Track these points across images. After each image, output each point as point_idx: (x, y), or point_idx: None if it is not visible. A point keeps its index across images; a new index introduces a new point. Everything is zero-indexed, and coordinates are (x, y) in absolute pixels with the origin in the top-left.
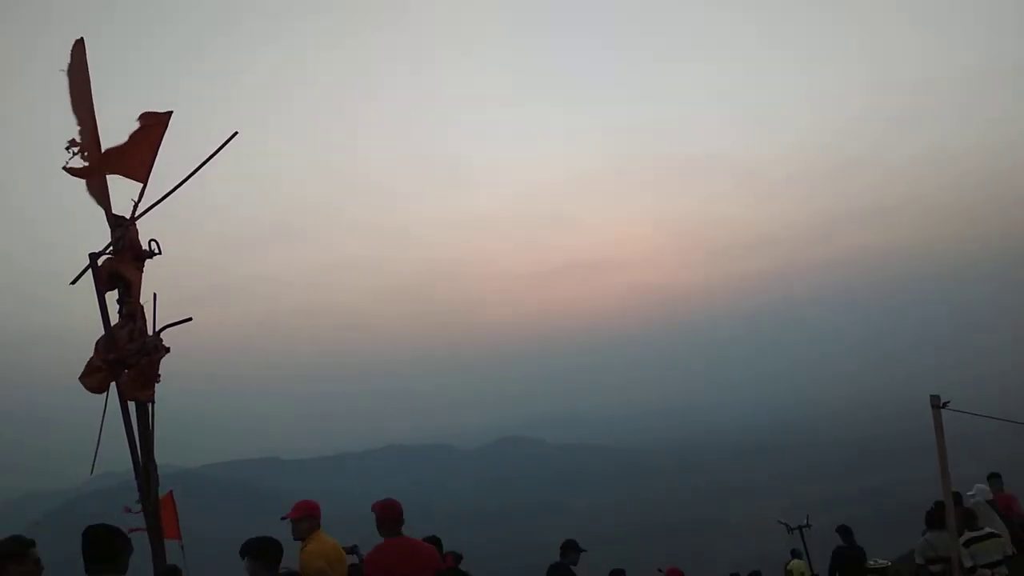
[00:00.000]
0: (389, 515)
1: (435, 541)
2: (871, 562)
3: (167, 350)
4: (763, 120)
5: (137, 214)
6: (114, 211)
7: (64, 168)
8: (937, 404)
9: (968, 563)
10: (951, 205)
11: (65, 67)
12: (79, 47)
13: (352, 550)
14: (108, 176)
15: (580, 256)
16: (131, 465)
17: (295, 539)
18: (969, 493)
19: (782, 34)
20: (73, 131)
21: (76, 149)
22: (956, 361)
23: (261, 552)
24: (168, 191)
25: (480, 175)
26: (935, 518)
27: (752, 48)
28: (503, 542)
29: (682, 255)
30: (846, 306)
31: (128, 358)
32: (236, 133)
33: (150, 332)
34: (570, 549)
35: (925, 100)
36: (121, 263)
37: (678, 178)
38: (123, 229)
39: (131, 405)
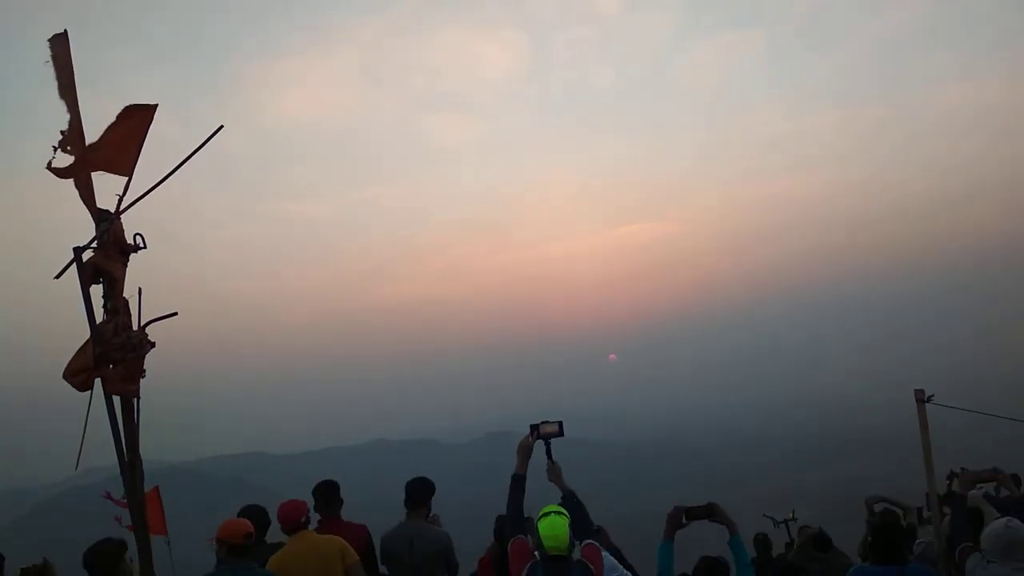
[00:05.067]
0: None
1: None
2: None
3: (152, 345)
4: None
5: (122, 208)
6: (99, 205)
7: (48, 168)
8: (921, 398)
9: None
10: (934, 203)
11: (48, 60)
12: (62, 39)
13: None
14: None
15: (565, 257)
16: (116, 460)
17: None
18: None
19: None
20: (56, 126)
21: (59, 143)
22: (941, 354)
23: None
24: (153, 185)
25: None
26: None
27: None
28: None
29: (669, 255)
30: (833, 298)
31: (113, 353)
32: (221, 127)
33: (135, 327)
34: None
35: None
36: (105, 257)
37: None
38: (108, 223)
39: (116, 400)
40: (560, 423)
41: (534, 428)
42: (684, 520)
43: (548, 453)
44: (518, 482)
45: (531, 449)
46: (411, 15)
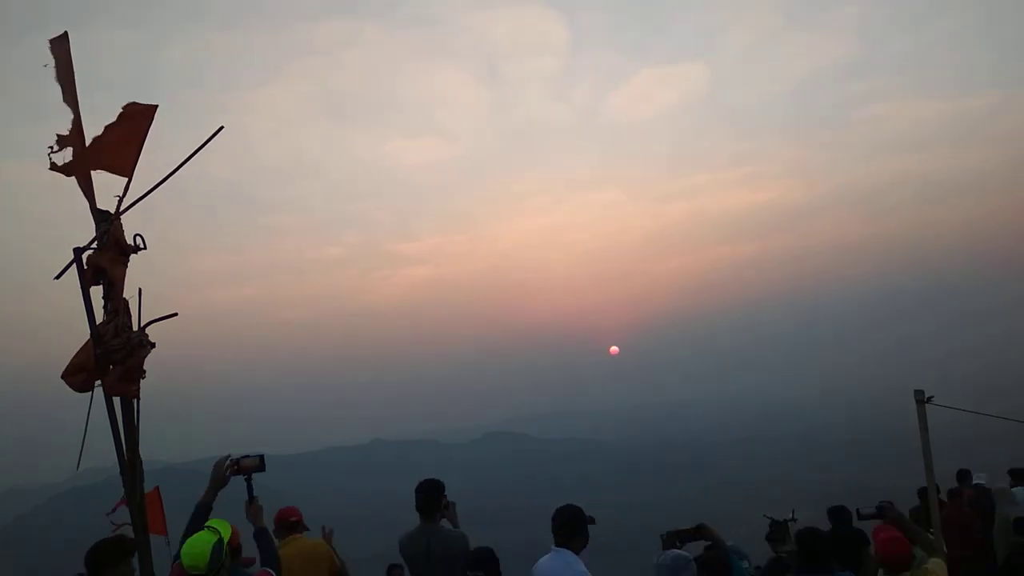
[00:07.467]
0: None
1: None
2: None
3: (152, 345)
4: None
5: (122, 209)
6: (99, 205)
7: (50, 168)
8: (921, 399)
9: None
10: (945, 204)
11: (50, 62)
12: (63, 41)
13: None
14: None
15: (567, 256)
16: (117, 460)
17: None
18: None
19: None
20: (56, 126)
21: (59, 146)
22: (944, 355)
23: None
24: (153, 186)
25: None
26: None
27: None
28: (491, 536)
29: (672, 246)
30: (836, 297)
31: (113, 353)
32: (222, 128)
33: (135, 327)
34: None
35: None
36: (105, 258)
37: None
38: (107, 224)
39: (116, 401)
40: (262, 457)
41: (234, 462)
42: (678, 544)
43: (249, 490)
44: (203, 512)
45: (226, 481)
46: (374, 48)
